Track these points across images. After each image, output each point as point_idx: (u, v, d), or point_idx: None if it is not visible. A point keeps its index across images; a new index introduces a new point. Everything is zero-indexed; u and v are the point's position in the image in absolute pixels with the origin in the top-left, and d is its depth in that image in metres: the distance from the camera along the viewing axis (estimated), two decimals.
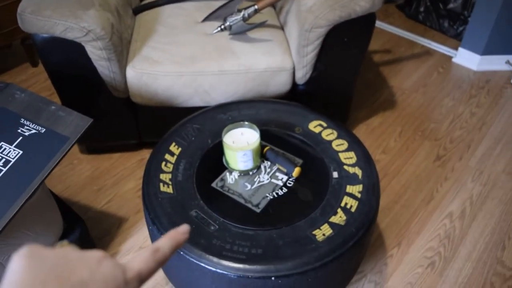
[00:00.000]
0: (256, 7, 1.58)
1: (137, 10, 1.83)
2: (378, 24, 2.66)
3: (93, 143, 1.81)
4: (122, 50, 1.53)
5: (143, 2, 1.92)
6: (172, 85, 1.53)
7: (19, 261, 0.30)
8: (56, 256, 0.32)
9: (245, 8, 1.59)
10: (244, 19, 1.59)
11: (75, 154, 1.82)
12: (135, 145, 1.82)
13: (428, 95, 2.14)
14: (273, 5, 1.81)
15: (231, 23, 1.59)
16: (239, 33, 1.59)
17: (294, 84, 1.64)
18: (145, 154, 1.81)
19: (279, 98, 1.63)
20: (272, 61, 1.54)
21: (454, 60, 2.39)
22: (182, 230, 0.40)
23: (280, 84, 1.58)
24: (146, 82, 1.53)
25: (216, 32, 1.62)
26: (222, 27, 1.60)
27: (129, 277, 0.34)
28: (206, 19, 1.70)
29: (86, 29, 1.38)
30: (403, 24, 2.68)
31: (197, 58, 1.53)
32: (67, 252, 0.33)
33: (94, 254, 0.33)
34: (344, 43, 1.56)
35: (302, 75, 1.60)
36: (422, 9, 2.68)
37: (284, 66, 1.55)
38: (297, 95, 1.67)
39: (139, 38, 1.64)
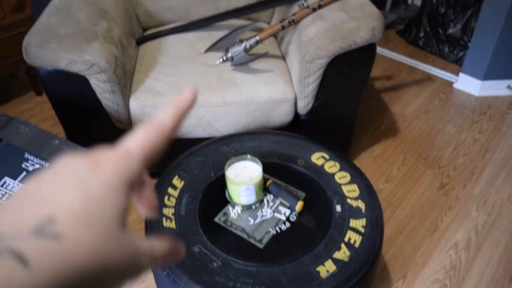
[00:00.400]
0: (257, 38, 1.60)
1: (140, 41, 1.86)
2: (379, 50, 2.69)
3: None
4: (126, 82, 1.54)
5: (146, 33, 1.95)
6: None
7: None
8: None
9: (247, 39, 1.61)
10: (246, 50, 1.60)
11: None
12: None
13: (430, 122, 2.14)
14: (274, 35, 1.83)
15: (233, 54, 1.61)
16: (241, 64, 1.60)
17: (296, 114, 1.64)
18: None
19: (281, 129, 1.63)
20: (274, 92, 1.55)
21: (455, 85, 2.40)
22: (186, 97, 0.31)
23: (282, 114, 1.59)
24: (150, 114, 1.53)
25: (218, 63, 1.63)
26: (224, 58, 1.62)
27: (101, 160, 0.26)
28: (209, 49, 1.71)
29: (90, 62, 1.40)
30: (404, 50, 2.70)
31: (199, 89, 1.54)
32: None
33: (56, 164, 0.26)
34: (345, 73, 1.57)
35: (304, 105, 1.60)
36: (422, 34, 2.71)
37: (286, 97, 1.56)
38: (300, 124, 1.68)
39: (142, 69, 1.66)
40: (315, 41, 1.47)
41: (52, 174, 0.25)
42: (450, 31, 2.59)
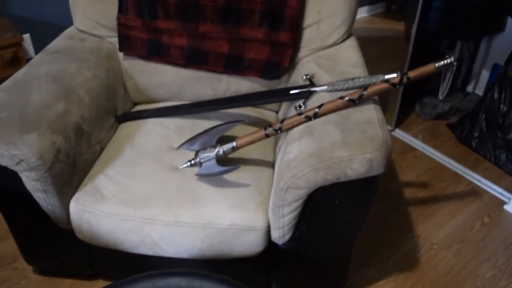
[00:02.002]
0: (234, 144, 1.30)
1: (121, 119, 1.63)
2: (421, 146, 2.28)
3: (43, 265, 1.58)
4: (71, 178, 1.30)
5: (135, 109, 1.72)
6: (115, 229, 1.26)
7: None
8: None
9: (222, 144, 1.32)
10: (218, 156, 1.31)
11: (25, 272, 1.59)
12: (89, 275, 1.56)
13: (462, 256, 1.70)
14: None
15: (202, 160, 1.32)
16: (207, 175, 1.31)
17: (272, 242, 1.31)
18: (101, 285, 1.54)
19: (251, 258, 1.31)
20: (239, 216, 1.24)
21: (506, 207, 1.94)
22: None
23: (248, 244, 1.26)
24: (88, 221, 1.28)
25: (184, 167, 1.35)
26: (193, 162, 1.33)
27: None
28: (181, 146, 1.44)
29: (17, 158, 1.17)
30: (452, 150, 2.28)
31: (150, 200, 1.26)
32: None
33: None
34: (335, 205, 1.22)
35: (279, 236, 1.27)
36: (476, 134, 2.27)
37: (254, 225, 1.23)
38: (278, 253, 1.34)
39: (103, 159, 1.42)
40: (293, 166, 1.15)
41: None
42: (511, 136, 2.14)
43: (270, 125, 1.30)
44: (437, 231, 1.80)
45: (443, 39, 2.33)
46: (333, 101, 1.26)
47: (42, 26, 2.19)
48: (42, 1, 2.18)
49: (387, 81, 1.27)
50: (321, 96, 1.39)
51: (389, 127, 2.41)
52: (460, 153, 2.26)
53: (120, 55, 1.68)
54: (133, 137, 1.50)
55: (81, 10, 1.63)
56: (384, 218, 1.84)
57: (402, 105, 2.44)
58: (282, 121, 1.28)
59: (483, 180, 2.08)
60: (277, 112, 1.74)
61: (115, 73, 1.65)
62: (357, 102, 1.26)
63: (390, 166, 2.13)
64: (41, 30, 2.21)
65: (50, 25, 2.24)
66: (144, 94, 1.72)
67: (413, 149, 2.27)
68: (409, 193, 1.99)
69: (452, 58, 1.25)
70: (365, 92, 1.25)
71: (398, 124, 2.43)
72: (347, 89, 1.38)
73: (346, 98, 1.25)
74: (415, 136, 2.35)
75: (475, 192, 2.02)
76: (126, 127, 1.58)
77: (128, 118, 1.63)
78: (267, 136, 1.30)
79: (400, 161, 2.17)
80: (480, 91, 2.62)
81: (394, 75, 1.34)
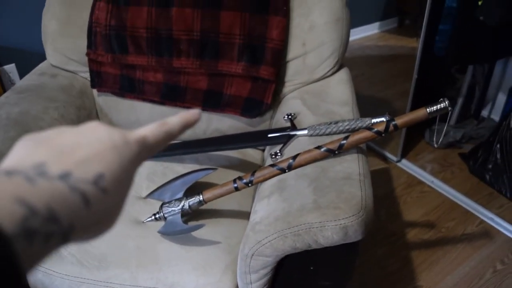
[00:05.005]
0: (201, 197, 1.18)
1: None
2: (429, 180, 2.11)
3: None
4: None
5: None
6: None
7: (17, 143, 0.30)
8: (51, 130, 0.31)
9: (188, 197, 1.19)
10: (184, 211, 1.18)
11: None
12: None
13: None
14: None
15: (167, 214, 1.20)
16: (169, 234, 1.19)
17: None
18: None
19: None
20: (203, 281, 1.11)
21: None
22: (193, 112, 0.39)
23: None
24: (42, 281, 1.17)
25: (148, 221, 1.23)
26: (157, 216, 1.21)
27: (130, 138, 0.33)
28: (150, 195, 1.33)
29: None
30: (463, 183, 2.09)
31: (108, 260, 1.15)
32: (62, 128, 0.32)
33: (89, 124, 0.33)
34: (311, 273, 1.08)
35: None
36: (490, 165, 2.08)
37: None
38: None
39: None
40: (258, 231, 1.01)
41: (90, 131, 0.32)
42: None
43: (240, 177, 1.17)
44: (441, 281, 1.63)
45: (452, 65, 2.15)
46: (309, 151, 1.12)
47: (28, 55, 2.13)
48: (27, 29, 2.11)
49: (371, 128, 1.12)
50: (302, 140, 1.26)
51: (395, 158, 2.24)
52: (473, 187, 2.08)
53: (94, 91, 1.58)
54: None
55: (51, 44, 1.55)
56: (382, 264, 1.68)
57: (409, 132, 2.27)
58: (253, 173, 1.15)
59: (496, 219, 1.89)
60: (263, 150, 1.60)
61: (88, 111, 1.55)
62: (336, 152, 1.12)
63: (393, 203, 1.97)
64: (27, 59, 2.14)
65: (37, 54, 2.17)
66: None
67: (420, 182, 2.09)
68: (412, 235, 1.82)
69: (447, 103, 1.09)
70: (345, 142, 1.11)
71: (404, 154, 2.26)
72: (329, 134, 1.24)
73: (324, 149, 1.11)
74: (423, 167, 2.18)
75: (487, 233, 1.84)
76: None
77: None
78: (236, 189, 1.16)
79: (405, 197, 2.01)
80: (496, 116, 2.42)
81: (382, 119, 1.21)
